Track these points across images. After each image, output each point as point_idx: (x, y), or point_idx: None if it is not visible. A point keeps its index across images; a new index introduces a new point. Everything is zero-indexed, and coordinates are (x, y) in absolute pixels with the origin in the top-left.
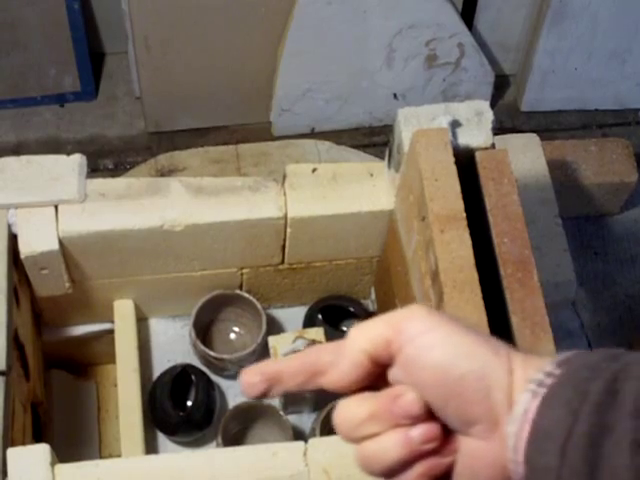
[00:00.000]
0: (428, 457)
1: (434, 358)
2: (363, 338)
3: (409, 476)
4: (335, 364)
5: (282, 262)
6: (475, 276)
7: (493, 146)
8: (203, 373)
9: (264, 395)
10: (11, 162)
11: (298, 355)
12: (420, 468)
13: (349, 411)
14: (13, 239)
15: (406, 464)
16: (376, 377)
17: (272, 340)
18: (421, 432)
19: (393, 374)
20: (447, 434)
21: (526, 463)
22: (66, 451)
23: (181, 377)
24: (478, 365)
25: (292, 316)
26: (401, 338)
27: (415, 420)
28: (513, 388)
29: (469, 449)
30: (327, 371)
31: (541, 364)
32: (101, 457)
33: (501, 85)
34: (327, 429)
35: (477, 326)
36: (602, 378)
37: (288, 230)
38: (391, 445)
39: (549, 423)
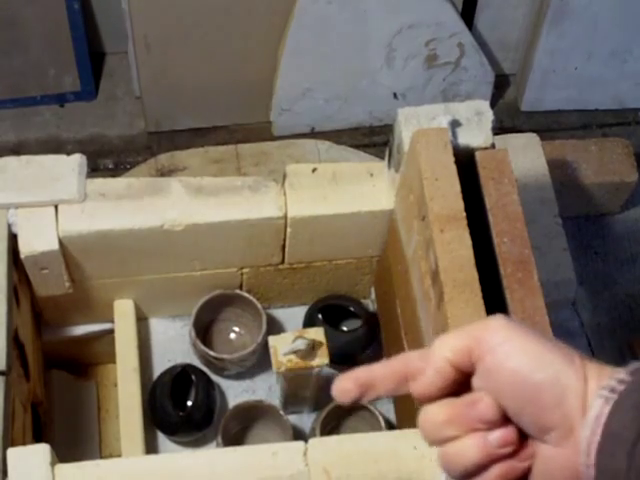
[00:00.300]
0: (505, 460)
1: (512, 366)
2: (447, 347)
3: (486, 478)
4: (422, 372)
5: (282, 262)
6: (475, 276)
7: (493, 146)
8: (203, 373)
9: (357, 400)
10: (11, 162)
11: (388, 362)
12: (497, 470)
13: (431, 414)
14: (13, 239)
15: (483, 467)
16: (459, 386)
17: (272, 340)
18: (498, 436)
19: (475, 383)
20: (524, 439)
21: (596, 466)
22: (66, 451)
23: (181, 377)
24: (553, 373)
25: (292, 316)
26: (482, 348)
27: (492, 425)
28: (587, 396)
29: (544, 455)
30: (415, 378)
31: (614, 373)
32: (101, 457)
33: (501, 85)
34: (327, 429)
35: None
36: None
37: (288, 230)
38: (469, 448)
39: (619, 427)
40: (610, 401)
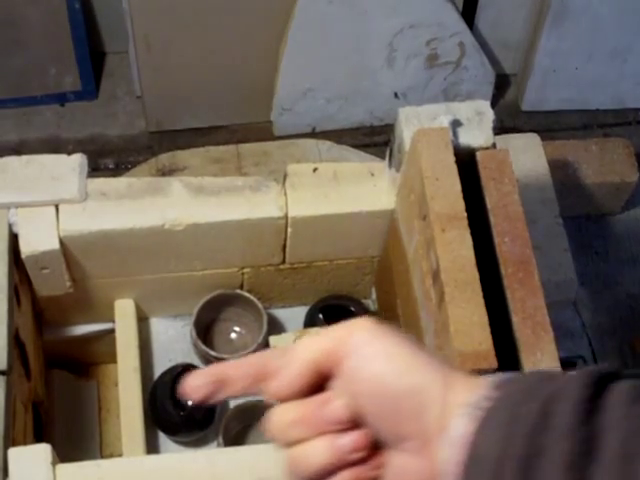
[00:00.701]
0: (354, 467)
1: (374, 370)
2: (310, 348)
3: None
4: (281, 371)
5: (283, 262)
6: (476, 275)
7: (494, 146)
8: None
9: (208, 399)
10: (12, 161)
11: (245, 359)
12: (345, 476)
13: (281, 413)
14: (14, 239)
15: (332, 471)
16: (318, 389)
17: (273, 340)
18: (348, 440)
19: (334, 386)
20: (377, 448)
21: None
22: (67, 451)
23: (182, 377)
24: (416, 381)
25: (293, 316)
26: (344, 349)
27: (342, 427)
28: (449, 409)
29: (399, 463)
30: (273, 377)
31: (480, 387)
32: (102, 457)
33: (502, 84)
34: None
35: (419, 343)
36: (536, 400)
37: (289, 230)
38: (318, 450)
39: (483, 447)
40: (475, 419)
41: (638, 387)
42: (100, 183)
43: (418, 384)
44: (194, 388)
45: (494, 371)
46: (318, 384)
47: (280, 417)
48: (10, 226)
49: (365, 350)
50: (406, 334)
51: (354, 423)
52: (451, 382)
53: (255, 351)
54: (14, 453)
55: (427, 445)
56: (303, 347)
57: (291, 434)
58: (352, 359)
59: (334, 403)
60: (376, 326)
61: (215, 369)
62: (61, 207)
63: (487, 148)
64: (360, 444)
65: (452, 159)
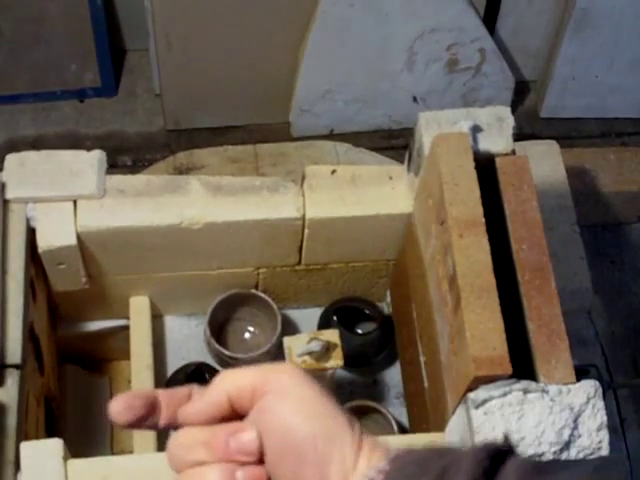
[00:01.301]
0: None
1: (285, 411)
2: (231, 381)
3: None
4: (197, 398)
5: (299, 263)
6: (493, 281)
7: (513, 152)
8: (217, 372)
9: (134, 424)
10: (31, 156)
11: (175, 389)
12: None
13: (188, 435)
14: (31, 233)
15: None
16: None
17: (287, 341)
18: (248, 474)
19: (248, 421)
20: None
21: None
22: (78, 446)
23: (195, 375)
24: (328, 432)
25: (307, 317)
26: (264, 388)
27: (247, 459)
28: (355, 469)
29: None
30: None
31: (380, 456)
32: (113, 453)
33: (521, 91)
34: None
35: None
36: (430, 474)
37: (306, 231)
38: (213, 476)
39: None
40: None
41: (531, 462)
42: (118, 180)
43: (328, 434)
44: (120, 411)
45: (509, 377)
46: (233, 418)
47: (186, 437)
48: (28, 220)
49: (283, 392)
50: (324, 389)
51: (257, 460)
52: (363, 444)
53: (269, 351)
54: (26, 447)
55: None
56: (222, 379)
57: (193, 456)
58: (268, 398)
59: (246, 433)
60: (299, 373)
61: (146, 393)
62: (79, 203)
63: (507, 154)
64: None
65: (472, 165)
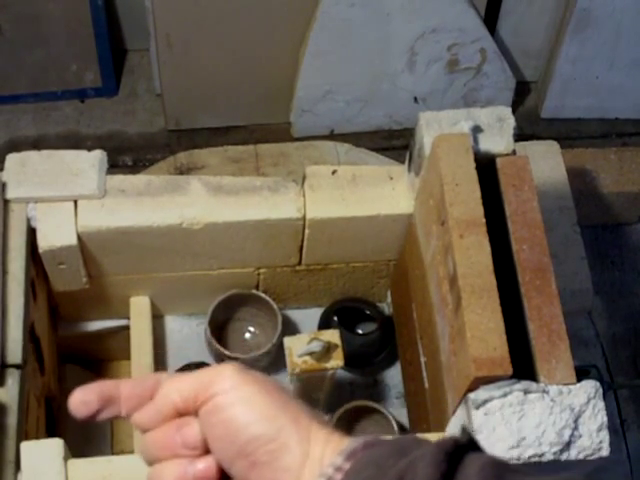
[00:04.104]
0: None
1: (230, 415)
2: (174, 390)
3: None
4: (147, 405)
5: (299, 263)
6: (493, 282)
7: (514, 152)
8: None
9: (94, 416)
10: (32, 156)
11: (139, 380)
12: None
13: (148, 435)
14: (32, 233)
15: None
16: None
17: (287, 341)
18: (198, 469)
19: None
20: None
21: None
22: (79, 446)
23: None
24: (273, 429)
25: (308, 317)
26: (208, 393)
27: (195, 453)
28: (307, 462)
29: None
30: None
31: (339, 447)
32: (113, 453)
33: (522, 91)
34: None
35: (285, 389)
36: (389, 478)
37: (306, 231)
38: (169, 472)
39: None
40: None
41: (495, 461)
42: (119, 180)
43: (276, 432)
44: (83, 403)
45: (509, 377)
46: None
47: (146, 438)
48: (28, 220)
49: (228, 395)
50: (272, 381)
51: (203, 452)
52: (314, 435)
53: (269, 351)
54: (27, 447)
55: None
56: (168, 387)
57: (154, 454)
58: (214, 402)
59: (190, 426)
60: (242, 373)
61: (107, 386)
62: (80, 203)
63: (507, 155)
64: (209, 473)
65: (472, 165)
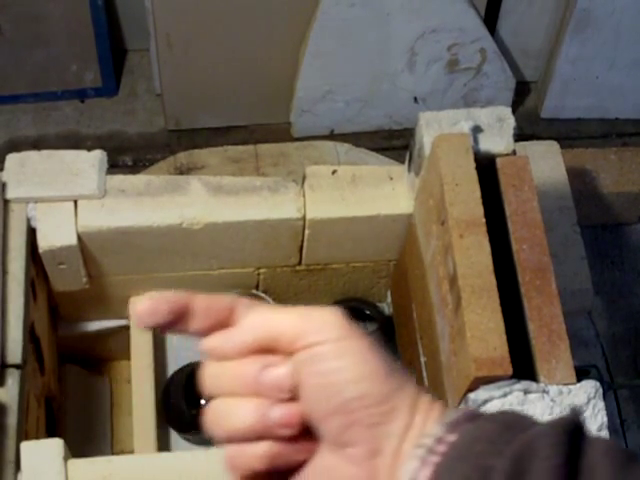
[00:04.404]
0: (279, 442)
1: (335, 368)
2: (268, 324)
3: (250, 450)
4: (230, 331)
5: (299, 263)
6: (493, 282)
7: (514, 152)
8: None
9: (164, 328)
10: (32, 156)
11: (216, 298)
12: (265, 448)
13: (220, 364)
14: (32, 233)
15: (251, 438)
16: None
17: None
18: (281, 413)
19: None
20: (308, 432)
21: None
22: (79, 446)
23: (195, 375)
24: (385, 391)
25: None
26: (307, 340)
27: (280, 397)
28: (410, 431)
29: (331, 465)
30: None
31: (440, 417)
32: (113, 453)
33: (522, 91)
34: None
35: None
36: (506, 456)
37: (306, 231)
38: (244, 411)
39: None
40: (427, 464)
41: (620, 448)
42: (119, 180)
43: (383, 394)
44: (148, 312)
45: (509, 378)
46: (266, 352)
47: (218, 367)
48: (28, 220)
49: (331, 346)
50: (374, 339)
51: (292, 398)
52: (419, 403)
53: None
54: (27, 447)
55: (372, 458)
56: (259, 319)
57: (223, 385)
58: (311, 351)
59: (279, 369)
60: (350, 323)
61: (178, 296)
62: (80, 203)
63: (507, 155)
64: (292, 420)
65: (472, 165)
